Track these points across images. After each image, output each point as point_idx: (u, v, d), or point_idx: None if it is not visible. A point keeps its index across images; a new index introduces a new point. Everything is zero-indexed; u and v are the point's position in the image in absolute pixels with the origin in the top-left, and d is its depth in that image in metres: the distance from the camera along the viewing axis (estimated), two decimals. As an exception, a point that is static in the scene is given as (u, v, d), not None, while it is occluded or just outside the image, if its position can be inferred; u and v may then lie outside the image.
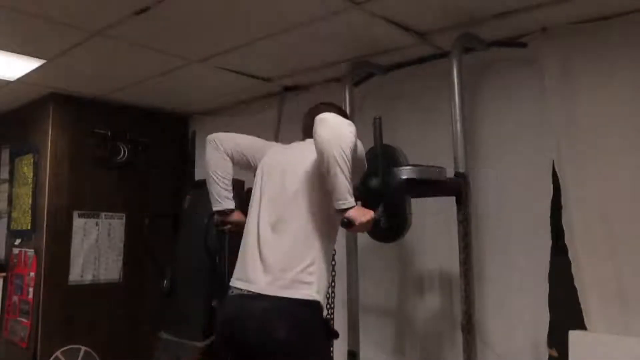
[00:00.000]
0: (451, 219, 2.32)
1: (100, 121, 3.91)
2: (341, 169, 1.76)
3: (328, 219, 1.92)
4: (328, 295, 2.61)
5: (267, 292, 1.86)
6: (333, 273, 2.68)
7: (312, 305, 1.85)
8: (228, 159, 2.18)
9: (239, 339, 1.88)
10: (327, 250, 1.95)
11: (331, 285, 2.66)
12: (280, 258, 1.89)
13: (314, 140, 1.82)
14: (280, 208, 1.97)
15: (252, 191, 2.14)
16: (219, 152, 2.17)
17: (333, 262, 2.45)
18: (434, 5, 2.27)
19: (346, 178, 1.77)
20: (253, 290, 1.90)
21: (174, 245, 3.58)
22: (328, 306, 2.62)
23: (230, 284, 2.01)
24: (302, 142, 2.18)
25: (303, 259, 1.87)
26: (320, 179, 1.89)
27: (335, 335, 2.02)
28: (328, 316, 2.62)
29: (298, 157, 2.04)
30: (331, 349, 1.94)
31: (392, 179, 2.10)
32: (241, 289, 1.94)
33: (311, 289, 1.85)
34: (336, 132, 1.78)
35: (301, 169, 1.99)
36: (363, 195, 1.93)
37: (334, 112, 1.98)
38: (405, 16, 2.39)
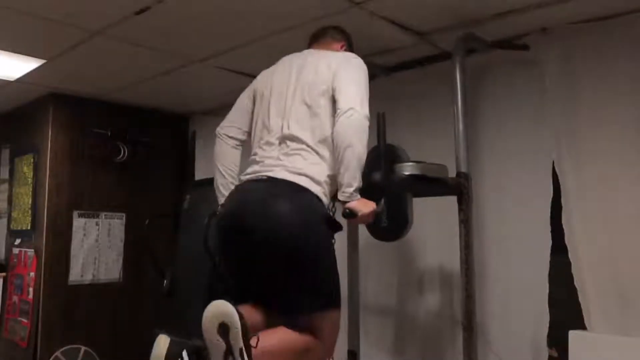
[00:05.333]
0: (452, 218, 2.32)
1: (100, 121, 3.90)
2: (353, 165, 1.82)
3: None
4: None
5: (274, 175, 1.88)
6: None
7: (317, 197, 1.87)
8: (237, 148, 2.18)
9: (240, 219, 1.87)
10: (333, 166, 1.93)
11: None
12: (290, 160, 1.90)
13: (334, 129, 1.86)
14: (287, 124, 1.97)
15: (255, 115, 2.13)
16: (226, 141, 2.17)
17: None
18: (434, 5, 2.27)
19: (358, 175, 1.84)
20: (260, 174, 1.92)
21: (174, 245, 3.58)
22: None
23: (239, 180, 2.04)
24: (296, 54, 2.18)
25: (313, 167, 1.89)
26: (325, 96, 1.93)
27: (339, 226, 1.99)
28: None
29: (301, 73, 2.04)
30: (333, 242, 1.92)
31: (395, 175, 2.10)
32: (247, 176, 1.98)
33: (319, 188, 1.88)
34: (356, 127, 1.84)
35: (306, 85, 2.00)
36: (365, 191, 1.93)
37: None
38: (406, 16, 2.39)
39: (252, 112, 2.16)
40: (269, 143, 1.99)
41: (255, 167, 1.98)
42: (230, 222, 1.94)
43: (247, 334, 1.58)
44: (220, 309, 1.60)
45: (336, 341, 1.93)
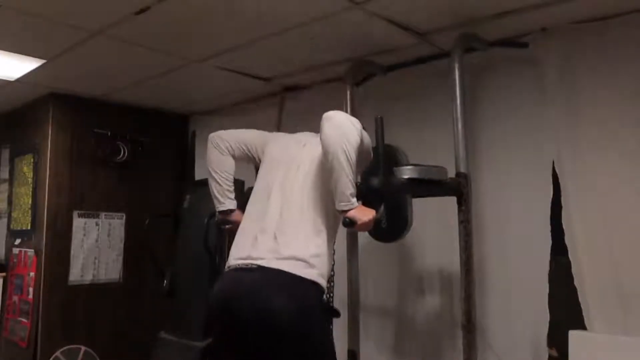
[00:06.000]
0: (452, 219, 2.32)
1: (100, 121, 3.90)
2: (345, 171, 1.79)
3: (333, 210, 1.92)
4: (327, 295, 2.62)
5: (266, 264, 1.83)
6: (332, 272, 2.68)
7: (312, 284, 1.83)
8: (229, 155, 2.19)
9: (232, 313, 1.83)
10: (332, 239, 1.96)
11: (331, 281, 2.66)
12: (285, 239, 1.87)
13: (320, 137, 1.84)
14: (288, 195, 1.97)
15: (257, 179, 2.13)
16: (219, 150, 2.18)
17: (333, 261, 2.45)
18: (434, 5, 2.27)
19: (349, 180, 1.80)
20: (251, 262, 1.87)
21: (174, 245, 3.58)
22: (328, 296, 2.62)
23: (227, 264, 1.99)
24: (310, 133, 2.18)
25: (309, 244, 1.86)
26: (326, 171, 1.91)
27: (336, 313, 2.00)
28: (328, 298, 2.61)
29: (305, 147, 2.06)
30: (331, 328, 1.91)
31: (394, 179, 2.10)
32: (237, 263, 1.92)
33: (313, 270, 1.84)
34: (342, 131, 1.81)
35: (309, 159, 2.01)
36: (364, 195, 1.93)
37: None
38: (405, 16, 2.39)
39: (254, 159, 2.20)
40: (266, 214, 1.96)
41: (248, 250, 1.92)
42: (223, 318, 1.89)
43: None
44: None
45: None
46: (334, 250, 2.04)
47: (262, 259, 1.86)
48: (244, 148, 2.21)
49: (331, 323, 1.95)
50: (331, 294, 2.68)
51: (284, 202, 1.96)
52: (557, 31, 2.43)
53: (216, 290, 1.95)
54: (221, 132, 2.23)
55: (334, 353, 1.91)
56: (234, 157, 2.20)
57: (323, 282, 1.87)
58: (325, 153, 1.82)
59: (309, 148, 2.05)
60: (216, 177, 2.17)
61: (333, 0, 2.24)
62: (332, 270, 2.65)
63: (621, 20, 2.27)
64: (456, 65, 2.35)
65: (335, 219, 1.97)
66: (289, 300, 1.76)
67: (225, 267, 1.99)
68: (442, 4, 2.26)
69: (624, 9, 2.24)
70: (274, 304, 1.75)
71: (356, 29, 2.53)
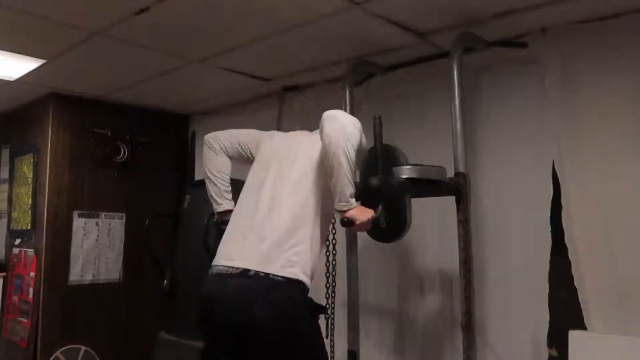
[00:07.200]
0: (451, 218, 2.32)
1: (100, 121, 3.91)
2: (345, 171, 1.79)
3: (323, 203, 1.93)
4: (327, 295, 2.62)
5: (248, 267, 1.84)
6: (334, 273, 2.68)
7: (293, 283, 1.83)
8: (225, 155, 2.20)
9: (217, 319, 1.88)
10: (319, 233, 1.94)
11: (331, 285, 2.66)
12: (265, 236, 1.88)
13: (321, 135, 1.85)
14: (279, 193, 1.97)
15: (250, 174, 2.13)
16: (214, 150, 2.20)
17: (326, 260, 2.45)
18: (434, 5, 2.27)
19: (349, 180, 1.81)
20: (233, 266, 1.88)
21: (174, 245, 3.58)
22: (328, 305, 2.63)
23: (213, 263, 1.99)
24: (306, 132, 2.19)
25: (290, 239, 1.86)
26: (321, 167, 1.91)
27: (321, 309, 1.99)
28: (329, 314, 2.61)
29: (301, 145, 2.07)
30: (320, 326, 1.93)
31: (393, 179, 2.10)
32: (220, 268, 1.93)
33: (294, 268, 1.84)
34: (344, 132, 1.81)
35: (303, 156, 2.01)
36: (363, 195, 1.93)
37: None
38: (405, 16, 2.39)
39: (248, 159, 2.19)
40: (256, 211, 1.96)
41: (233, 250, 1.93)
42: (210, 321, 1.93)
43: None
44: None
45: None
46: (326, 249, 2.02)
47: (245, 260, 1.87)
48: (239, 148, 2.22)
49: (318, 319, 1.96)
50: (333, 294, 2.68)
51: (274, 199, 1.96)
52: (556, 31, 2.43)
53: (203, 293, 1.97)
54: (216, 133, 2.24)
55: (322, 349, 1.94)
56: (229, 156, 2.21)
57: (306, 279, 1.87)
58: (326, 152, 1.82)
59: (305, 146, 2.05)
60: (212, 178, 2.18)
61: (333, 0, 2.24)
62: (333, 271, 2.66)
63: (621, 21, 2.27)
64: (455, 65, 2.35)
65: (326, 218, 1.98)
66: (271, 306, 1.78)
67: (213, 263, 2.00)
68: (442, 4, 2.26)
69: (624, 9, 2.24)
70: (255, 313, 1.77)
71: (356, 29, 2.53)
